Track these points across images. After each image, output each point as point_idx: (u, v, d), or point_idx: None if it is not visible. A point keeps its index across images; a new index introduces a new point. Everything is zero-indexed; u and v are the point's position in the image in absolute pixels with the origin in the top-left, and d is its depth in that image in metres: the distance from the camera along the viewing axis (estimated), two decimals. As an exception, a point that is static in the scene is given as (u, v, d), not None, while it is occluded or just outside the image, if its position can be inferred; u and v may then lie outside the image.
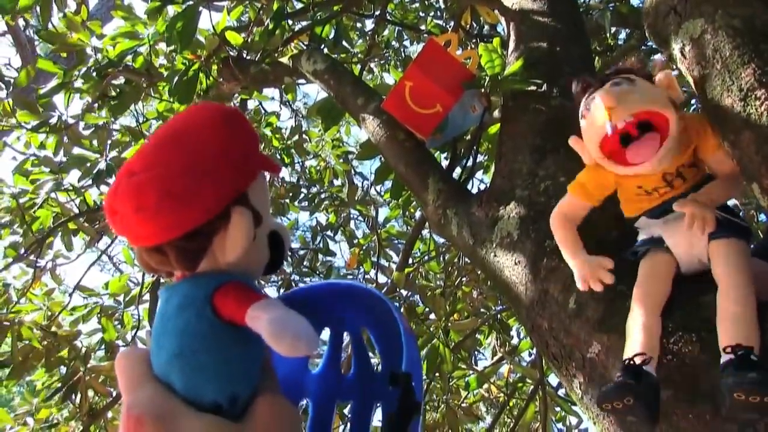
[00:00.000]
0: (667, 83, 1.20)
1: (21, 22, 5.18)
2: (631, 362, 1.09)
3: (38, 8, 2.97)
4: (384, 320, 1.05)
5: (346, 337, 1.21)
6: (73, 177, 3.35)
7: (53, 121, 3.20)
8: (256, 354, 0.85)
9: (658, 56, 3.51)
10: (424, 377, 3.52)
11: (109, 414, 3.62)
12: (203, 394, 0.82)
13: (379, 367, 1.20)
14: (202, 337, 0.83)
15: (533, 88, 1.73)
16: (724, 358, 1.01)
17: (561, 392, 3.18)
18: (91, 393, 3.38)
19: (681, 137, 1.18)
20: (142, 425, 0.77)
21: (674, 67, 1.33)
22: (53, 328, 3.32)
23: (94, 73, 3.00)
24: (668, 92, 1.19)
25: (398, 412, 0.88)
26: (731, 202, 1.32)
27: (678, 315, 1.18)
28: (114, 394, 3.49)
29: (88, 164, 3.18)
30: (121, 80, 3.12)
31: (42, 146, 3.43)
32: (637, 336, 1.14)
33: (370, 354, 1.30)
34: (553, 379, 3.37)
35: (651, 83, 1.21)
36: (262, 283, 4.32)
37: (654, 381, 1.08)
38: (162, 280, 3.69)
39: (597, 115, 1.17)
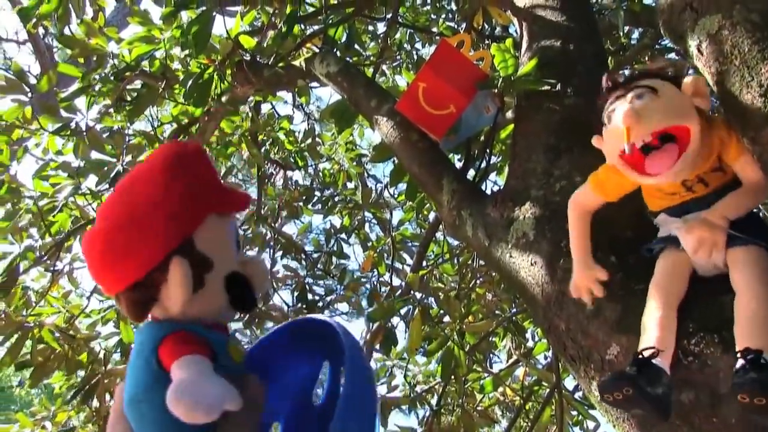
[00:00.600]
0: (695, 90, 1.17)
1: (40, 30, 5.26)
2: (640, 355, 1.08)
3: (57, 14, 3.01)
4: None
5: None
6: (90, 181, 3.39)
7: (73, 124, 3.23)
8: None
9: (672, 55, 3.49)
10: (440, 381, 3.50)
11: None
12: None
13: None
14: (145, 388, 0.85)
15: (547, 87, 1.72)
16: (738, 363, 1.00)
17: (577, 395, 3.16)
18: (108, 396, 3.40)
19: (704, 145, 1.15)
20: None
21: (691, 64, 1.32)
22: (72, 332, 3.35)
23: (112, 77, 3.03)
24: (694, 100, 1.16)
25: None
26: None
27: (698, 315, 1.16)
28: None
29: (105, 168, 3.21)
30: (136, 84, 3.15)
31: (59, 152, 3.47)
32: (652, 331, 1.13)
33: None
34: (569, 383, 3.35)
35: (677, 88, 1.18)
36: (278, 285, 4.33)
37: (663, 375, 1.07)
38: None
39: (616, 130, 1.16)
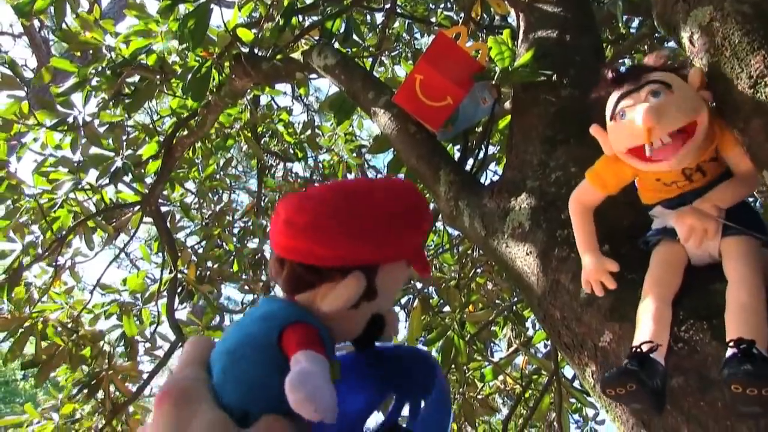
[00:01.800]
0: (701, 82, 1.17)
1: (36, 24, 5.25)
2: (638, 350, 1.10)
3: (52, 9, 3.01)
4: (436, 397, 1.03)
5: None
6: (91, 176, 3.40)
7: (71, 119, 3.24)
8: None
9: (672, 43, 3.48)
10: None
11: (131, 409, 3.69)
12: (225, 395, 0.84)
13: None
14: (257, 350, 0.85)
15: (543, 79, 1.73)
16: (729, 352, 1.01)
17: (576, 383, 3.18)
18: (112, 388, 3.44)
19: (706, 134, 1.16)
20: (165, 398, 0.81)
21: (684, 55, 1.33)
22: (77, 327, 3.38)
23: (109, 71, 3.04)
24: (701, 92, 1.17)
25: None
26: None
27: (688, 302, 1.18)
28: (134, 390, 3.55)
29: (105, 163, 3.23)
30: (134, 78, 3.16)
31: (58, 146, 3.48)
32: (647, 324, 1.15)
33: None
34: (568, 371, 3.38)
35: (685, 81, 1.18)
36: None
37: (660, 369, 1.09)
38: (179, 277, 3.73)
39: (635, 129, 1.15)
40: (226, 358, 0.86)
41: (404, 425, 1.13)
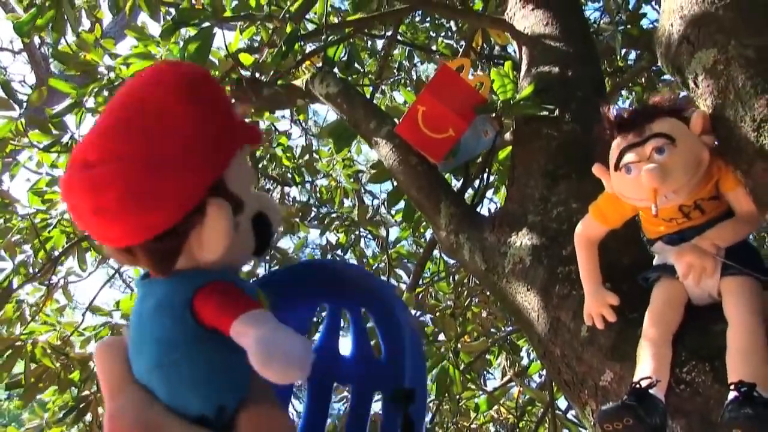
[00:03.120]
0: (702, 127, 1.17)
1: (36, 41, 5.27)
2: (637, 385, 1.09)
3: (51, 26, 3.01)
4: (386, 310, 0.98)
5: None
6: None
7: (65, 140, 3.23)
8: (244, 360, 0.71)
9: (668, 76, 3.52)
10: (434, 398, 3.50)
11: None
12: (188, 406, 0.75)
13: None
14: (183, 346, 0.74)
15: (545, 113, 1.74)
16: (730, 395, 1.01)
17: (570, 414, 3.16)
18: (101, 410, 3.38)
19: (703, 178, 1.17)
20: None
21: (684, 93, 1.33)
22: (66, 349, 3.33)
23: (107, 93, 3.03)
24: (703, 138, 1.17)
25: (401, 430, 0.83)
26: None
27: (690, 343, 1.18)
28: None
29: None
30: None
31: (54, 165, 3.46)
32: (647, 362, 1.15)
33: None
34: (561, 402, 3.35)
35: (687, 125, 1.18)
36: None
37: (659, 405, 1.08)
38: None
39: (641, 188, 1.16)
40: (159, 372, 0.75)
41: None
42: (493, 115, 1.88)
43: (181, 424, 0.74)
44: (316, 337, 1.11)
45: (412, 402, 0.84)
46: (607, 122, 1.26)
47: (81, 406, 3.16)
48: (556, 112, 1.73)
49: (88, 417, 3.35)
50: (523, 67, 2.03)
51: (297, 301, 1.01)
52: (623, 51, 3.73)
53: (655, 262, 1.30)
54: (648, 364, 1.14)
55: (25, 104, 3.35)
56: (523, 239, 1.53)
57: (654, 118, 1.19)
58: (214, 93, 0.79)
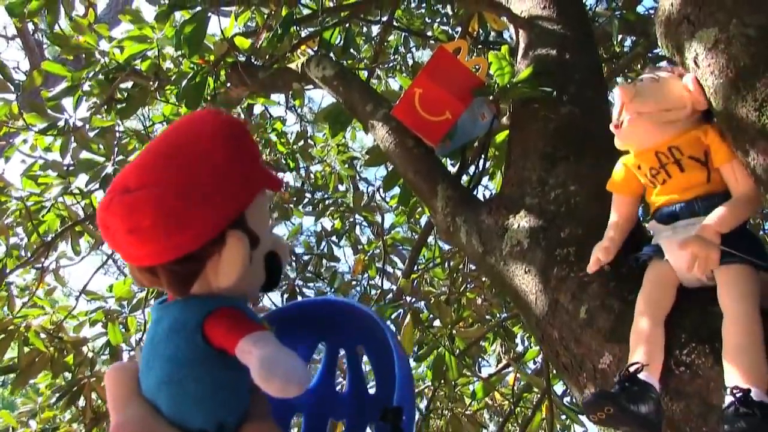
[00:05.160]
0: (693, 85, 1.22)
1: (30, 26, 5.21)
2: (625, 372, 1.10)
3: (45, 11, 2.97)
4: (380, 344, 1.03)
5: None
6: (80, 180, 3.35)
7: (61, 123, 3.20)
8: (245, 380, 0.81)
9: (664, 63, 3.51)
10: (430, 384, 3.51)
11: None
12: (190, 421, 0.81)
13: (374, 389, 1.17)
14: (191, 365, 0.81)
15: (543, 95, 1.73)
16: (727, 400, 1.01)
17: (566, 400, 3.17)
18: (94, 396, 3.37)
19: (679, 116, 1.23)
20: None
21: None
22: (60, 333, 3.31)
23: (102, 76, 3.00)
24: (690, 96, 1.22)
25: None
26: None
27: (689, 325, 1.17)
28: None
29: (96, 168, 3.18)
30: (128, 83, 3.13)
31: (48, 149, 3.44)
32: (639, 345, 1.15)
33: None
34: (558, 388, 3.36)
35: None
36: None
37: (650, 388, 1.08)
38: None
39: (616, 105, 1.28)
40: (167, 388, 0.82)
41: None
42: (491, 98, 1.86)
43: None
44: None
45: (401, 419, 0.88)
46: None
47: (74, 389, 3.15)
48: (554, 95, 1.72)
49: (81, 402, 3.34)
50: (521, 51, 2.01)
51: (296, 342, 1.07)
52: (619, 37, 3.71)
53: (653, 242, 1.30)
54: (641, 348, 1.14)
55: (20, 88, 3.32)
56: (520, 221, 1.52)
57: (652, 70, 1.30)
58: (246, 140, 0.88)
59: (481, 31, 3.72)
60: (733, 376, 1.02)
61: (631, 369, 1.09)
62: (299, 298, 4.39)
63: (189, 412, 0.81)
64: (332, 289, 4.50)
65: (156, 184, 0.80)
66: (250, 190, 0.87)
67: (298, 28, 3.04)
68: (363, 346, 1.15)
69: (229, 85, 2.77)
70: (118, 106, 3.10)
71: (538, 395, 3.16)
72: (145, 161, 0.84)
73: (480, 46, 3.78)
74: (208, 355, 0.81)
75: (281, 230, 5.28)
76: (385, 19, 3.44)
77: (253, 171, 0.88)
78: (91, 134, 3.30)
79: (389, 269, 4.26)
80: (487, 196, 2.01)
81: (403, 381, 0.91)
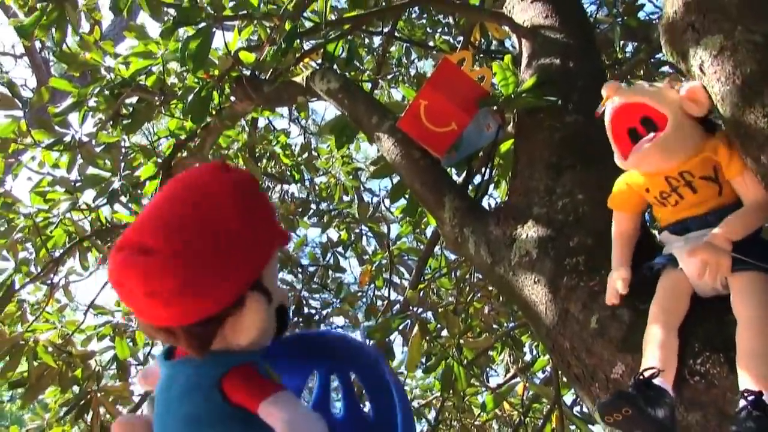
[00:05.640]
0: (689, 94, 1.21)
1: (37, 45, 5.25)
2: (640, 376, 1.09)
3: (53, 29, 3.00)
4: (371, 370, 1.06)
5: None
6: (87, 196, 3.37)
7: (67, 139, 3.22)
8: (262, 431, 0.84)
9: (666, 68, 3.51)
10: (438, 395, 3.49)
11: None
12: None
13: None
14: (211, 425, 0.83)
15: (547, 105, 1.73)
16: (740, 403, 1.00)
17: (576, 410, 3.14)
18: (102, 410, 3.37)
19: (688, 137, 1.21)
20: None
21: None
22: (68, 348, 3.32)
23: (108, 92, 3.02)
24: (685, 101, 1.21)
25: None
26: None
27: (703, 334, 1.16)
28: (125, 412, 3.47)
29: (103, 183, 3.20)
30: (133, 99, 3.15)
31: (56, 165, 3.45)
32: (653, 352, 1.14)
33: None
34: (567, 398, 3.34)
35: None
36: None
37: (665, 395, 1.07)
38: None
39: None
40: None
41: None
42: (495, 108, 1.86)
43: None
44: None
45: None
46: None
47: (82, 403, 3.15)
48: (559, 104, 1.72)
49: (90, 416, 3.34)
50: (524, 60, 2.02)
51: (294, 371, 1.11)
52: (621, 43, 3.72)
53: (665, 251, 1.29)
54: (653, 354, 1.13)
55: (27, 105, 3.34)
56: (529, 231, 1.52)
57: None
58: (259, 199, 0.90)
59: (482, 41, 3.74)
60: (746, 380, 1.02)
61: (647, 374, 1.08)
62: (305, 310, 4.39)
63: None
64: (338, 300, 4.49)
65: (178, 250, 0.79)
66: (266, 253, 0.89)
67: (301, 41, 3.06)
68: (356, 374, 1.17)
69: (233, 99, 2.78)
70: (124, 122, 3.12)
71: (548, 405, 3.14)
72: (158, 219, 0.83)
73: (482, 55, 3.79)
74: (227, 411, 0.83)
75: (287, 242, 5.27)
76: (387, 30, 3.46)
77: (269, 232, 0.90)
78: (98, 149, 3.32)
79: (396, 280, 4.26)
80: (492, 205, 2.01)
81: (406, 413, 0.93)
